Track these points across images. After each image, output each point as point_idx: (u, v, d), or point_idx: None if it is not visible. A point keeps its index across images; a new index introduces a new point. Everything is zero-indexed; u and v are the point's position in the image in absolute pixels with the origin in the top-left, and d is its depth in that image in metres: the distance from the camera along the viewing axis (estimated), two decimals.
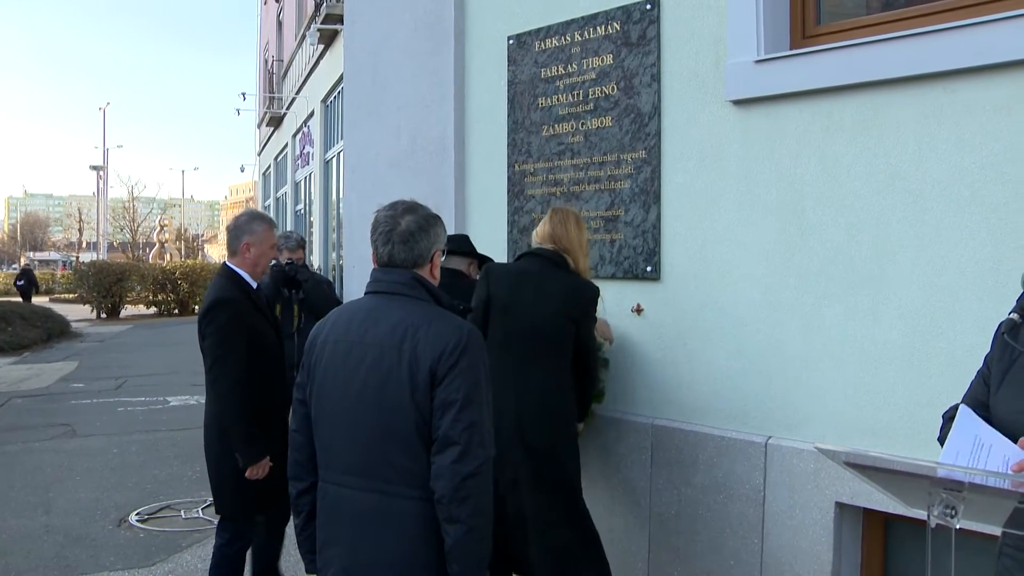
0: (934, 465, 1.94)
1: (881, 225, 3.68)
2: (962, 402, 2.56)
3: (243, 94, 31.37)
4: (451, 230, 5.43)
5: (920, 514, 2.05)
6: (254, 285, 4.60)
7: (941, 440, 2.51)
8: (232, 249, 4.60)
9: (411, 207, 2.92)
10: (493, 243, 5.32)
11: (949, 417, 2.55)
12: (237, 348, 4.33)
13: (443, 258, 3.06)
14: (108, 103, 58.50)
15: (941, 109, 3.50)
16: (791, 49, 4.05)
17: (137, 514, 7.06)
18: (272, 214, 29.32)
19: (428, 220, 2.91)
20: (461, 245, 4.81)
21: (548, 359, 4.07)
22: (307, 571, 3.00)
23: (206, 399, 4.58)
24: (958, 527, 1.93)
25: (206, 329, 4.38)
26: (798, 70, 3.92)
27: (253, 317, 4.47)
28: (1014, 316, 2.39)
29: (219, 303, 4.40)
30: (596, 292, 4.20)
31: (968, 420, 2.25)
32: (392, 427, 2.69)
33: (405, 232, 2.84)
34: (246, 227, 4.59)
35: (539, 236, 4.26)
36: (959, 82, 3.44)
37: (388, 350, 2.72)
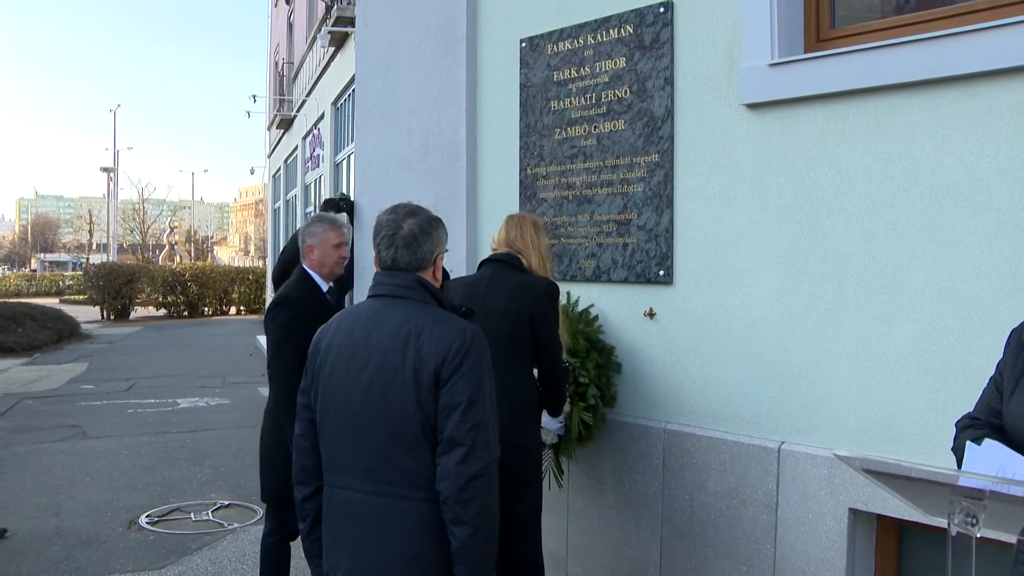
0: (955, 473, 1.92)
1: (896, 230, 3.66)
2: (975, 409, 2.54)
3: (253, 96, 31.29)
4: (463, 233, 5.44)
5: (939, 522, 2.03)
6: (324, 287, 4.76)
7: (954, 449, 2.49)
8: (301, 253, 4.82)
9: (413, 210, 2.94)
10: None
11: (962, 427, 2.53)
12: (293, 344, 4.40)
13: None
14: (119, 105, 58.56)
15: (957, 113, 3.48)
16: (805, 52, 4.03)
17: (147, 516, 7.07)
18: (282, 216, 29.36)
19: (431, 223, 2.94)
20: None
21: (503, 363, 3.85)
22: None
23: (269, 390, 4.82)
24: (979, 535, 1.91)
25: (269, 325, 4.59)
26: (812, 74, 3.90)
27: (315, 317, 4.52)
28: None
29: (282, 301, 4.62)
30: (550, 286, 4.06)
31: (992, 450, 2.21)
32: (397, 430, 2.70)
33: (408, 235, 2.86)
34: (307, 230, 4.82)
35: (495, 242, 4.28)
36: (976, 86, 3.42)
37: (392, 353, 2.73)
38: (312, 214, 10.38)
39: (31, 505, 7.40)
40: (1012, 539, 2.37)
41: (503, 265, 4.11)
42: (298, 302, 4.59)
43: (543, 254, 4.19)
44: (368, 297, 2.94)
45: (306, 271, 4.74)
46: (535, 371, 4.12)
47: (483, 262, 4.26)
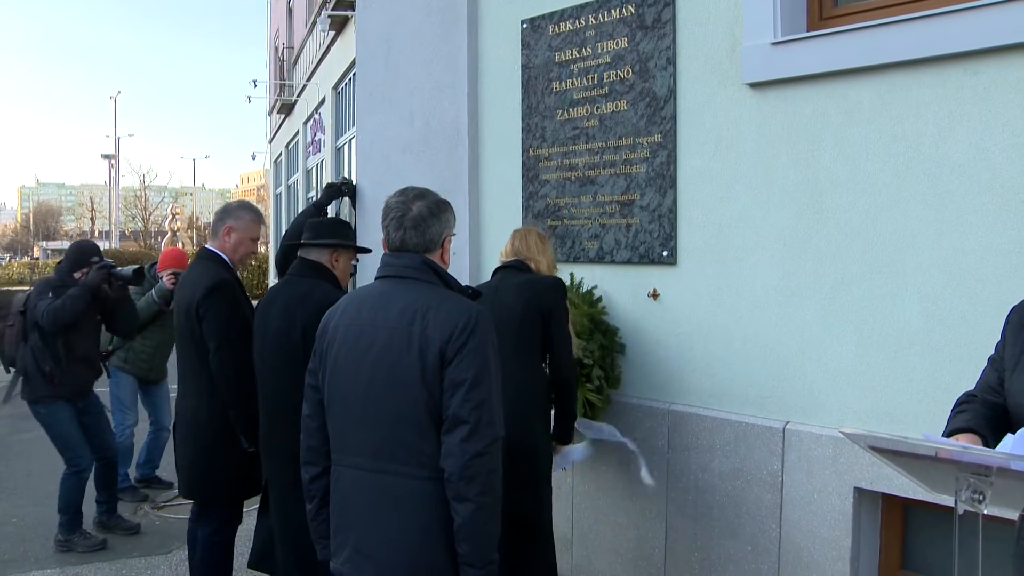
0: (961, 449, 1.91)
1: (900, 208, 3.65)
2: (975, 388, 2.53)
3: (254, 81, 31.28)
4: (465, 216, 5.43)
5: (944, 500, 2.03)
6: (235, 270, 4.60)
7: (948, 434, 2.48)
8: (214, 231, 4.61)
9: (421, 193, 2.98)
10: (508, 228, 5.28)
11: (958, 402, 2.52)
12: (239, 330, 4.30)
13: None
14: (119, 92, 58.43)
15: (961, 90, 3.47)
16: (808, 31, 4.02)
17: (153, 502, 7.09)
18: (284, 202, 29.37)
19: (439, 206, 2.97)
20: (318, 234, 4.13)
21: (515, 356, 3.99)
22: (320, 557, 3.03)
23: (189, 385, 4.48)
24: (985, 512, 1.90)
25: (206, 312, 4.30)
26: (815, 52, 3.88)
27: (241, 301, 4.46)
28: None
29: (221, 285, 4.36)
30: (558, 282, 4.20)
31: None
32: (403, 408, 2.73)
33: (417, 217, 2.89)
34: (232, 212, 4.63)
35: (504, 254, 4.37)
36: (980, 63, 3.40)
37: (398, 332, 2.76)
38: (313, 199, 10.31)
39: (37, 491, 7.41)
40: (1015, 516, 2.37)
41: (513, 270, 4.22)
42: (231, 285, 4.41)
43: (549, 260, 4.33)
44: (376, 278, 2.95)
45: (219, 254, 4.53)
46: (544, 367, 4.19)
47: (495, 270, 4.35)
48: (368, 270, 6.11)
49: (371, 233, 6.10)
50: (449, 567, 2.71)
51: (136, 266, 6.08)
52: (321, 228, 4.16)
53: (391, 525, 2.74)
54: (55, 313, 5.71)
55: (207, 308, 4.30)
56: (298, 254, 4.09)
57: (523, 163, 5.27)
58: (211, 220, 4.93)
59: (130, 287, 6.14)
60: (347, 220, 5.66)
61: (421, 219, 2.89)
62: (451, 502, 2.67)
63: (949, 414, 2.52)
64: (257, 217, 4.71)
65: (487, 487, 2.66)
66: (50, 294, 5.84)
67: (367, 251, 4.31)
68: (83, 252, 6.19)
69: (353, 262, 4.39)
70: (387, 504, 2.75)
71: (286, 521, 3.88)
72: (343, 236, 4.14)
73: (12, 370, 6.20)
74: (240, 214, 4.62)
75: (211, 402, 4.38)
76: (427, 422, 2.70)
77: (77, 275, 5.98)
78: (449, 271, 3.01)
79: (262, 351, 3.98)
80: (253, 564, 4.28)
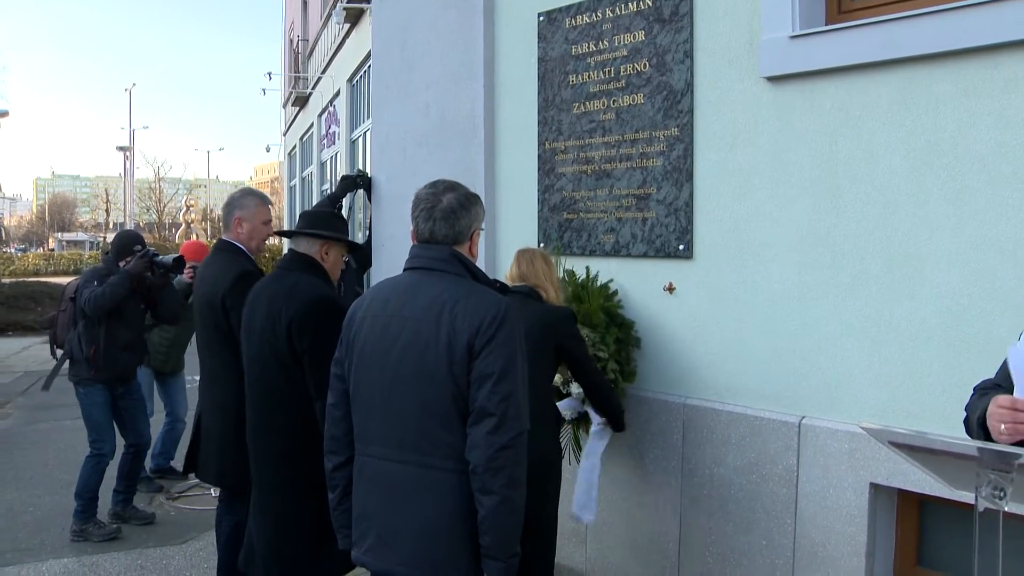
0: (983, 446, 1.90)
1: (919, 203, 3.63)
2: (995, 377, 2.52)
3: (269, 74, 31.38)
4: None
5: (964, 496, 2.03)
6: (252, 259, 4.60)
7: (968, 407, 2.47)
8: (225, 224, 4.66)
9: (452, 185, 2.99)
10: (523, 221, 5.30)
11: (981, 389, 2.51)
12: None
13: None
14: (134, 84, 58.71)
15: (982, 84, 3.44)
16: (826, 24, 4.00)
17: (168, 493, 7.12)
18: (298, 194, 29.40)
19: (469, 199, 2.99)
20: (309, 224, 4.01)
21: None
22: (341, 546, 3.04)
23: (215, 376, 4.46)
24: (1006, 509, 1.89)
25: (234, 304, 4.20)
26: (834, 46, 3.86)
27: None
28: None
29: (247, 275, 4.30)
30: (570, 313, 4.20)
31: None
32: (429, 400, 2.74)
33: (447, 209, 2.90)
34: (237, 202, 4.64)
35: (510, 277, 4.28)
36: (1001, 56, 3.38)
37: (426, 324, 2.77)
38: (327, 192, 10.27)
39: (54, 481, 7.47)
40: None
41: (523, 296, 4.12)
42: (256, 276, 4.32)
43: (556, 285, 4.30)
44: (404, 270, 2.96)
45: (237, 245, 4.53)
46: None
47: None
48: (385, 259, 6.12)
49: (387, 226, 6.11)
50: (471, 559, 2.72)
51: (177, 254, 6.25)
52: (313, 219, 4.04)
53: (414, 515, 2.76)
54: (97, 300, 5.91)
55: (235, 300, 4.21)
56: (288, 245, 4.00)
57: (539, 156, 5.26)
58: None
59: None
60: (343, 214, 5.62)
61: (451, 211, 2.90)
62: (476, 494, 2.68)
63: (968, 401, 2.50)
64: (263, 200, 4.74)
65: (512, 480, 2.68)
66: (95, 282, 6.03)
67: (358, 246, 4.25)
68: (126, 241, 6.44)
69: (344, 258, 4.30)
70: (411, 495, 2.77)
71: (266, 520, 3.78)
72: (335, 229, 4.02)
73: (60, 352, 6.46)
74: (245, 203, 4.63)
75: (240, 393, 4.23)
76: (453, 414, 2.72)
77: (121, 264, 6.16)
78: None
79: (248, 348, 3.85)
80: (243, 566, 4.10)
